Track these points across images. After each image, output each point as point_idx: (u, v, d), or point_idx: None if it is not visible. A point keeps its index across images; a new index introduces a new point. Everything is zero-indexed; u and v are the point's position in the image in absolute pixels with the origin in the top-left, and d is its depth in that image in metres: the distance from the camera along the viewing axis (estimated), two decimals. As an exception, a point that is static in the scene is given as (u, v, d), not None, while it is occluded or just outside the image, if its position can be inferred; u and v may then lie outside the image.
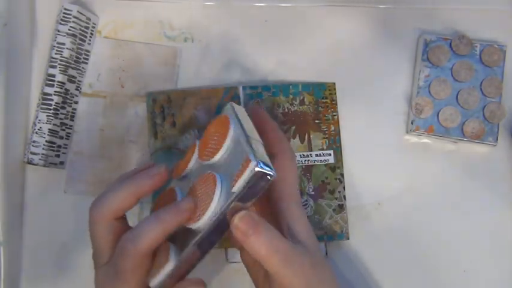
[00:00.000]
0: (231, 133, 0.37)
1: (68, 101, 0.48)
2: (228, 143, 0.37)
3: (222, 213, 0.34)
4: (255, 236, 0.34)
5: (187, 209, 0.35)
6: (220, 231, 0.35)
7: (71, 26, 0.47)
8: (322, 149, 0.47)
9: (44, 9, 0.49)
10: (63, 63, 0.47)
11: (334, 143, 0.48)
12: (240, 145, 0.35)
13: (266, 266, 0.34)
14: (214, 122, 0.39)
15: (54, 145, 0.47)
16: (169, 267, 0.35)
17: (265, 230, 0.34)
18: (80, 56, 0.48)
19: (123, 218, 0.38)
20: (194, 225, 0.35)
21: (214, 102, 0.48)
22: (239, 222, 0.34)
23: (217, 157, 0.37)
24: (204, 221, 0.35)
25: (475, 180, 0.49)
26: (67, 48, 0.47)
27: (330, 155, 0.47)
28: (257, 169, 0.33)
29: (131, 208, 0.37)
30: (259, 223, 0.34)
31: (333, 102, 0.48)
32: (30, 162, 0.46)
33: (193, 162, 0.40)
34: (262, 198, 0.35)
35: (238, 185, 0.34)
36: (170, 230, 0.35)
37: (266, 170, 0.33)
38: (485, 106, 0.48)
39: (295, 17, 0.51)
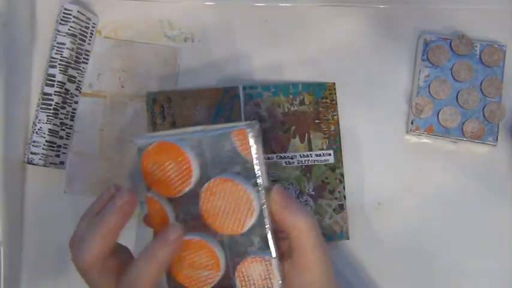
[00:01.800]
0: (183, 146, 0.38)
1: (68, 101, 0.48)
2: (191, 154, 0.38)
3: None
4: (288, 209, 0.37)
5: (176, 239, 0.36)
6: None
7: (71, 26, 0.47)
8: (322, 149, 0.47)
9: (44, 9, 0.49)
10: (63, 63, 0.47)
11: (334, 143, 0.48)
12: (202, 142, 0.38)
13: (299, 240, 0.36)
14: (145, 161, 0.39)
15: (54, 145, 0.47)
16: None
17: (299, 206, 0.37)
18: (80, 56, 0.48)
19: (113, 252, 0.37)
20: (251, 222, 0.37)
21: (214, 101, 0.48)
22: (276, 195, 0.37)
23: (194, 177, 0.38)
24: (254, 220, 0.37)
25: (475, 180, 0.49)
26: (67, 48, 0.47)
27: (330, 155, 0.47)
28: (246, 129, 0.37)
29: (114, 243, 0.36)
30: (292, 197, 0.38)
31: (333, 102, 0.48)
32: (30, 162, 0.46)
33: (171, 214, 0.39)
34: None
35: (256, 167, 0.37)
36: (168, 261, 0.36)
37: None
38: (485, 106, 0.48)
39: (295, 17, 0.51)
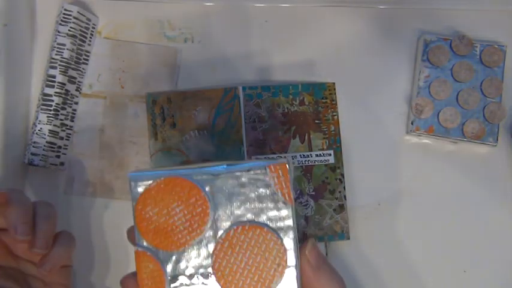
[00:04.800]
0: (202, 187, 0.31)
1: (68, 101, 0.47)
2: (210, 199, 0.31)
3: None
4: (321, 272, 0.32)
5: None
6: None
7: (71, 27, 0.47)
8: (322, 149, 0.47)
9: (44, 10, 0.49)
10: (64, 64, 0.47)
11: (334, 143, 0.48)
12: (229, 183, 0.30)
13: None
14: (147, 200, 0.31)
15: (54, 146, 0.47)
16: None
17: (332, 269, 0.33)
18: (80, 57, 0.48)
19: None
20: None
21: (214, 102, 0.48)
22: (310, 253, 0.32)
23: (208, 225, 0.31)
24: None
25: (475, 180, 0.49)
26: (67, 49, 0.47)
27: (330, 155, 0.47)
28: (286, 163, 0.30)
29: None
30: (324, 257, 0.32)
31: (333, 102, 0.48)
32: (30, 163, 0.46)
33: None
34: None
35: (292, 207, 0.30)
36: None
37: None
38: (485, 106, 0.48)
39: (295, 17, 0.51)
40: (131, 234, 0.32)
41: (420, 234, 0.48)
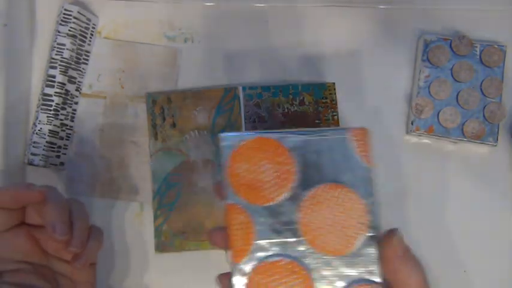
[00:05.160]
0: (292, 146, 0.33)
1: (68, 101, 0.47)
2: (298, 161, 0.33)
3: None
4: (405, 258, 0.32)
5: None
6: None
7: (71, 27, 0.47)
8: (322, 149, 0.47)
9: (44, 10, 0.49)
10: (64, 64, 0.47)
11: (334, 143, 0.48)
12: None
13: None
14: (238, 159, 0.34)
15: (54, 146, 0.47)
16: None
17: (415, 257, 0.33)
18: (80, 57, 0.48)
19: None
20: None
21: (214, 102, 0.48)
22: (397, 240, 0.33)
23: (295, 182, 0.33)
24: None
25: (475, 180, 0.49)
26: (67, 49, 0.47)
27: (330, 155, 0.47)
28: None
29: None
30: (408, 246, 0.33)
31: (333, 102, 0.48)
32: (30, 163, 0.46)
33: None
34: None
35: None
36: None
37: None
38: (485, 106, 0.48)
39: (295, 17, 0.51)
40: (219, 189, 0.34)
41: (420, 234, 0.48)
